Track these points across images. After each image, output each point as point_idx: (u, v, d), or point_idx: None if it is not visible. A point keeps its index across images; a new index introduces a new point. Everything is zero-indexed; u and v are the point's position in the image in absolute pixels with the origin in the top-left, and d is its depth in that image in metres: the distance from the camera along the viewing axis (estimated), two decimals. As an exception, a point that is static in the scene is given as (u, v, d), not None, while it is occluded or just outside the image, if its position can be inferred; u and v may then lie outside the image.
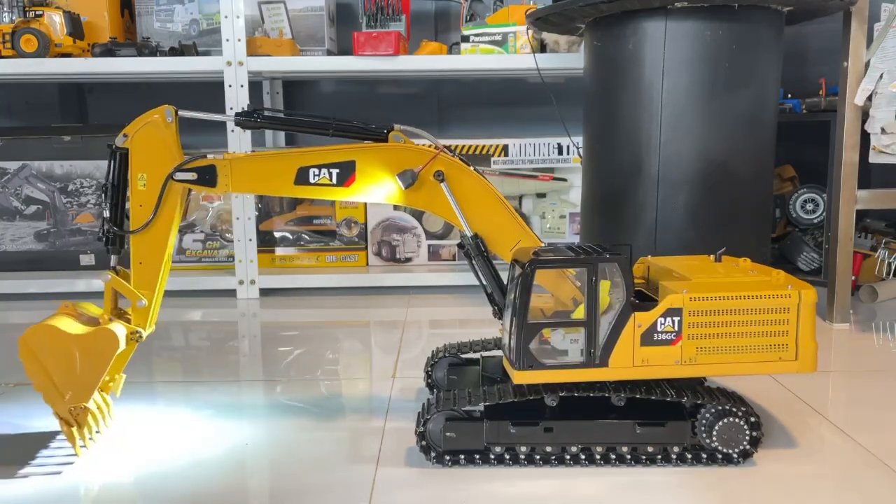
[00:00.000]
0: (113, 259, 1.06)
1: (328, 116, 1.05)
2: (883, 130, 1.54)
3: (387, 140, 1.04)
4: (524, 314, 0.93)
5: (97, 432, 1.06)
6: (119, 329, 1.01)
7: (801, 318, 0.94)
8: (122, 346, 1.02)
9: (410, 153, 1.03)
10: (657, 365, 0.94)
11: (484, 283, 1.05)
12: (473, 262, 1.04)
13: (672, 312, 0.93)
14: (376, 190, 1.03)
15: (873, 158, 1.59)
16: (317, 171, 1.02)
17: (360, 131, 1.05)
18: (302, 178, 1.03)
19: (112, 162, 1.03)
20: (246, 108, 1.06)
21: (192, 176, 1.02)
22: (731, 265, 1.04)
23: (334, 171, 1.02)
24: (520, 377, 0.94)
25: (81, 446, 1.01)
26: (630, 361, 0.94)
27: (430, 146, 1.04)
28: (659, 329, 0.94)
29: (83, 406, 1.00)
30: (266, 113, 1.05)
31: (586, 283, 0.93)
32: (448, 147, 1.04)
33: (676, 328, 0.94)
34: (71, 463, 1.01)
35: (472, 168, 1.04)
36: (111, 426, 1.09)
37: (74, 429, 1.01)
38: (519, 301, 0.93)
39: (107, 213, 1.04)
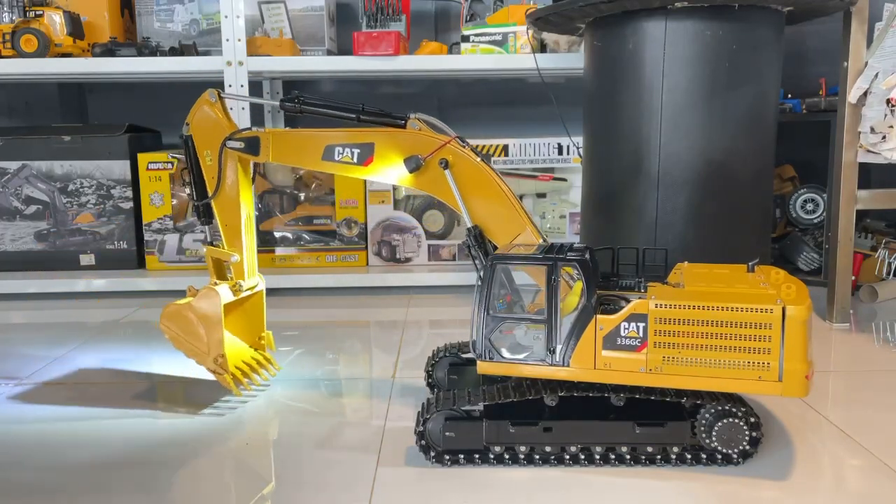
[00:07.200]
0: (207, 232, 1.22)
1: (357, 104, 1.15)
2: (872, 130, 1.54)
3: (405, 127, 1.11)
4: (486, 307, 0.95)
5: (263, 382, 1.28)
6: (219, 287, 1.19)
7: (787, 336, 0.88)
8: (226, 297, 1.18)
9: (423, 140, 1.10)
10: (621, 370, 0.93)
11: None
12: (472, 253, 1.08)
13: (636, 318, 0.92)
14: (390, 171, 1.12)
15: (861, 157, 1.58)
16: (341, 150, 1.13)
17: (383, 116, 1.13)
18: (328, 154, 1.13)
19: (186, 149, 1.20)
20: (291, 95, 1.18)
21: (240, 145, 1.16)
22: (759, 275, 0.99)
23: (356, 151, 1.12)
24: (482, 367, 0.97)
25: (240, 387, 1.21)
26: (591, 364, 0.94)
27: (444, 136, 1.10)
28: (622, 334, 0.93)
29: (221, 354, 1.17)
30: (306, 98, 1.16)
31: (545, 283, 0.93)
32: (462, 139, 1.09)
33: (641, 335, 0.92)
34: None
35: (479, 160, 1.09)
36: (276, 374, 1.32)
37: (226, 375, 1.19)
38: (482, 294, 0.95)
39: (188, 191, 1.21)
